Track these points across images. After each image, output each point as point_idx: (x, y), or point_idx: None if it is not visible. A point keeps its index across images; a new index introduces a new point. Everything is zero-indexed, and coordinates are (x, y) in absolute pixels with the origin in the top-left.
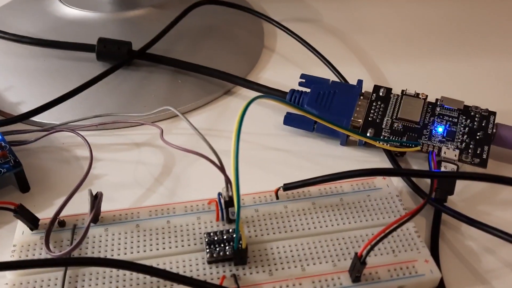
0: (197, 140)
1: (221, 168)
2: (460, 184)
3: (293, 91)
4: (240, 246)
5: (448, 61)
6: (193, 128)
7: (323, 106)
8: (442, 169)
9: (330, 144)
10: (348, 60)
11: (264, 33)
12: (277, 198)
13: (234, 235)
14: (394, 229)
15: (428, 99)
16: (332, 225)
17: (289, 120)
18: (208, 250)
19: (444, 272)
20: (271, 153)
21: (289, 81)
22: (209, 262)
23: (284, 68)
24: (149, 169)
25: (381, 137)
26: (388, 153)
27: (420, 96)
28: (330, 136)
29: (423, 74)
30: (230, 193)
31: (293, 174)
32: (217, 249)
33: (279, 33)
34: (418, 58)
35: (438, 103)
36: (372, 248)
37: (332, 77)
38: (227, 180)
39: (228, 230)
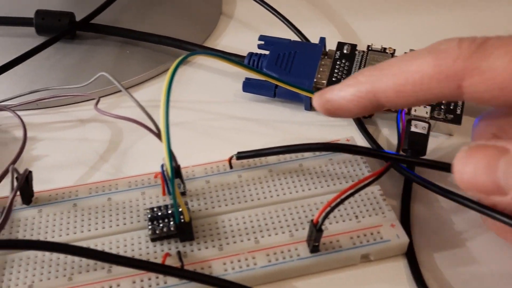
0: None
1: (159, 135)
2: (433, 142)
3: (251, 54)
4: (182, 219)
5: (418, 14)
6: (129, 95)
7: (284, 68)
8: (412, 128)
9: (294, 110)
10: (315, 20)
11: None
12: (231, 167)
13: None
14: (351, 194)
15: (397, 54)
16: (290, 193)
17: (248, 86)
18: (150, 227)
19: (416, 237)
20: (229, 122)
21: (249, 46)
22: (153, 240)
23: (243, 34)
24: (93, 146)
25: None
26: None
27: (387, 51)
28: (293, 101)
29: (393, 28)
30: (174, 164)
31: (252, 143)
32: (161, 225)
33: None
34: (388, 13)
35: None
36: (328, 215)
37: (297, 39)
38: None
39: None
